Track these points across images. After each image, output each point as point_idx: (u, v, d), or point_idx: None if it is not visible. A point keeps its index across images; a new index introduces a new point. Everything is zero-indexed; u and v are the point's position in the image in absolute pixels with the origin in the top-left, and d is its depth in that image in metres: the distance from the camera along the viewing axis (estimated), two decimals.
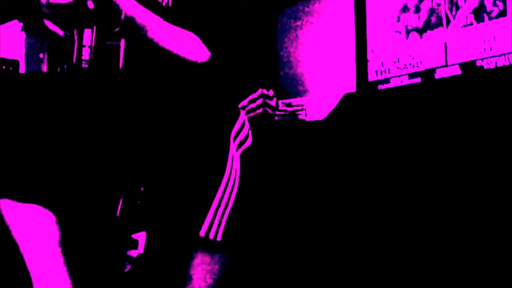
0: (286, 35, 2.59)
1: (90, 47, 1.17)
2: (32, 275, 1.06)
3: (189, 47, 1.19)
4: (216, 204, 1.05)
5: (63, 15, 1.10)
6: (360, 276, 1.60)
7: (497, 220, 1.39)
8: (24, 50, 2.31)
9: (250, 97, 1.27)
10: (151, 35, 1.16)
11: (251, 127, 1.14)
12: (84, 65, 1.17)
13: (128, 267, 1.62)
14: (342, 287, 1.62)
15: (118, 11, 1.11)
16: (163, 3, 1.26)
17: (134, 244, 1.68)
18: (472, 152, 1.47)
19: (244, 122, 1.11)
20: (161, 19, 1.18)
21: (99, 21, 1.14)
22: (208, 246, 1.08)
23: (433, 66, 2.02)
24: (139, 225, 1.62)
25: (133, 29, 1.14)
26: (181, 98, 1.10)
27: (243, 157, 1.10)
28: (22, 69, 2.32)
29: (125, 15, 1.12)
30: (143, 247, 1.59)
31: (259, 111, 1.28)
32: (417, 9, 2.11)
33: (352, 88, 2.26)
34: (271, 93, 1.31)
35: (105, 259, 1.44)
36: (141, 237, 1.68)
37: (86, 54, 1.17)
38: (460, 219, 1.46)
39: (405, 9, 2.15)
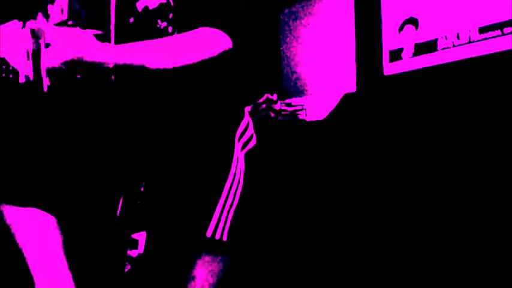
0: (286, 35, 2.59)
1: None
2: (34, 278, 1.06)
3: (210, 43, 1.11)
4: (222, 205, 1.05)
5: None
6: (362, 277, 1.60)
7: (498, 218, 1.39)
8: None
9: (257, 101, 1.28)
10: (159, 65, 1.04)
11: (255, 128, 1.15)
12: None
13: (128, 267, 1.62)
14: (342, 287, 1.63)
15: (108, 70, 0.98)
16: (162, 27, 1.18)
17: (134, 244, 1.68)
18: (476, 158, 1.47)
19: (248, 123, 1.11)
20: (162, 42, 1.07)
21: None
22: (212, 246, 1.08)
23: None
24: (139, 225, 1.62)
25: (133, 70, 1.02)
26: (186, 98, 1.10)
27: (247, 157, 1.10)
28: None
29: (115, 65, 0.99)
30: (143, 247, 1.59)
31: (263, 114, 1.29)
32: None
33: (352, 88, 2.26)
34: (275, 97, 1.32)
35: (105, 259, 1.44)
36: (141, 237, 1.68)
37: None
38: (458, 218, 1.46)
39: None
